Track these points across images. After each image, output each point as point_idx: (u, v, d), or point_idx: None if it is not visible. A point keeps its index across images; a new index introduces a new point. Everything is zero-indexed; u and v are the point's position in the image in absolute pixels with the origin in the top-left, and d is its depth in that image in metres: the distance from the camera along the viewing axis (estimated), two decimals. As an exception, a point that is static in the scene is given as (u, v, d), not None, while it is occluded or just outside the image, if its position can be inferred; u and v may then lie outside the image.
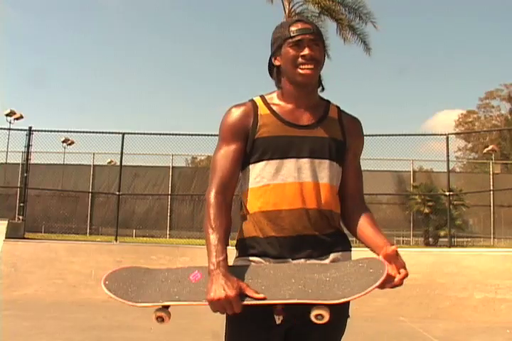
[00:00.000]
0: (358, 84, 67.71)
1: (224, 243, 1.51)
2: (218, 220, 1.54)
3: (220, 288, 1.41)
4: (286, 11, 19.11)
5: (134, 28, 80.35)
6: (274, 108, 1.66)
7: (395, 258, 1.48)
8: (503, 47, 64.09)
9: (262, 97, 1.70)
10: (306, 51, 1.59)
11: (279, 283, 1.48)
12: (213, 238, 1.50)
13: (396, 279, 1.46)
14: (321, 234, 1.59)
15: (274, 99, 1.69)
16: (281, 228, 1.57)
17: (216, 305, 1.41)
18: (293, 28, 1.61)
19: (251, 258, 1.60)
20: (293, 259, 1.56)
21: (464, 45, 68.85)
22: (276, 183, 1.59)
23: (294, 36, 1.60)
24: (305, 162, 1.61)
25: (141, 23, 77.67)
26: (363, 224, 1.63)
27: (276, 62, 1.67)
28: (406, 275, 1.47)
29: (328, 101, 1.73)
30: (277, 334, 1.53)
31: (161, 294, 1.53)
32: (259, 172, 1.61)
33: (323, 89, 1.71)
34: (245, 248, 1.62)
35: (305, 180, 1.59)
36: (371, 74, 68.75)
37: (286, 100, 1.67)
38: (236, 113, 1.64)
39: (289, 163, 1.60)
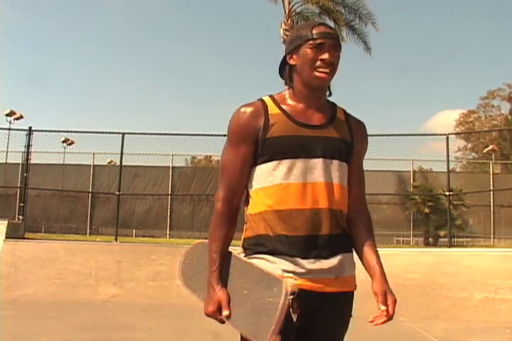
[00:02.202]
0: (357, 83, 67.64)
1: (220, 252, 1.60)
2: (219, 230, 1.62)
3: (206, 302, 1.58)
4: (286, 11, 19.10)
5: (134, 28, 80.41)
6: (285, 107, 1.65)
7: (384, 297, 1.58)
8: (504, 47, 64.10)
9: (271, 97, 1.69)
10: (326, 55, 1.60)
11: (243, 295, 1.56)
12: (212, 248, 1.61)
13: (379, 321, 1.58)
14: (331, 234, 1.60)
15: (283, 98, 1.68)
16: (292, 227, 1.57)
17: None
18: (316, 31, 1.62)
19: (260, 255, 1.60)
20: (303, 259, 1.56)
21: (465, 44, 68.88)
22: (288, 183, 1.60)
23: (316, 38, 1.61)
24: (317, 162, 1.61)
25: (141, 23, 77.72)
26: (360, 240, 1.68)
27: (292, 61, 1.66)
28: (387, 317, 1.57)
29: (334, 104, 1.74)
30: (293, 331, 1.54)
31: None
32: (272, 172, 1.61)
33: (330, 94, 1.73)
34: (253, 246, 1.62)
35: (317, 180, 1.60)
36: (371, 74, 68.75)
37: (296, 100, 1.67)
38: (245, 114, 1.63)
39: (301, 163, 1.60)
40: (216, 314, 1.55)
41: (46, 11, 73.91)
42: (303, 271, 1.56)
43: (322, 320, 1.60)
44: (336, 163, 1.63)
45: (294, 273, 1.55)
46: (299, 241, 1.57)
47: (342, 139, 1.66)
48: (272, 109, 1.64)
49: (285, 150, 1.60)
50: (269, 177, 1.61)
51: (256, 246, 1.61)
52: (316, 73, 1.60)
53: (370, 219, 1.73)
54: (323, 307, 1.59)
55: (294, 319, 1.51)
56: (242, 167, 1.63)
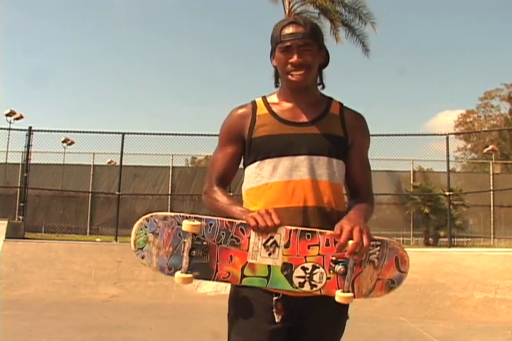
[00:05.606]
0: (357, 83, 67.62)
1: (231, 204, 1.58)
2: (221, 195, 1.63)
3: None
4: (287, 11, 19.11)
5: (134, 28, 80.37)
6: (273, 107, 1.67)
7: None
8: (505, 47, 64.07)
9: (264, 98, 1.71)
10: (294, 58, 1.59)
11: None
12: (223, 203, 1.60)
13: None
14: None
15: (274, 98, 1.70)
16: None
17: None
18: (284, 32, 1.60)
19: None
20: None
21: (466, 44, 68.82)
22: (274, 182, 1.60)
23: (283, 41, 1.60)
24: (302, 159, 1.60)
25: (141, 22, 77.70)
26: (352, 205, 1.64)
27: (274, 63, 1.68)
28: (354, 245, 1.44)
29: (330, 98, 1.72)
30: (278, 332, 1.54)
31: None
32: (259, 172, 1.62)
33: (323, 87, 1.71)
34: None
35: (303, 178, 1.59)
36: (371, 74, 68.73)
37: (285, 99, 1.68)
38: (234, 115, 1.68)
39: (286, 161, 1.60)
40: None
41: (46, 10, 73.89)
42: None
43: (314, 322, 1.57)
44: (323, 159, 1.61)
45: None
46: None
47: (331, 135, 1.63)
48: (261, 109, 1.67)
49: (269, 149, 1.61)
50: (257, 178, 1.63)
51: None
52: (290, 77, 1.61)
53: (370, 202, 1.72)
54: (315, 309, 1.56)
55: (277, 319, 1.51)
56: (228, 163, 1.67)
